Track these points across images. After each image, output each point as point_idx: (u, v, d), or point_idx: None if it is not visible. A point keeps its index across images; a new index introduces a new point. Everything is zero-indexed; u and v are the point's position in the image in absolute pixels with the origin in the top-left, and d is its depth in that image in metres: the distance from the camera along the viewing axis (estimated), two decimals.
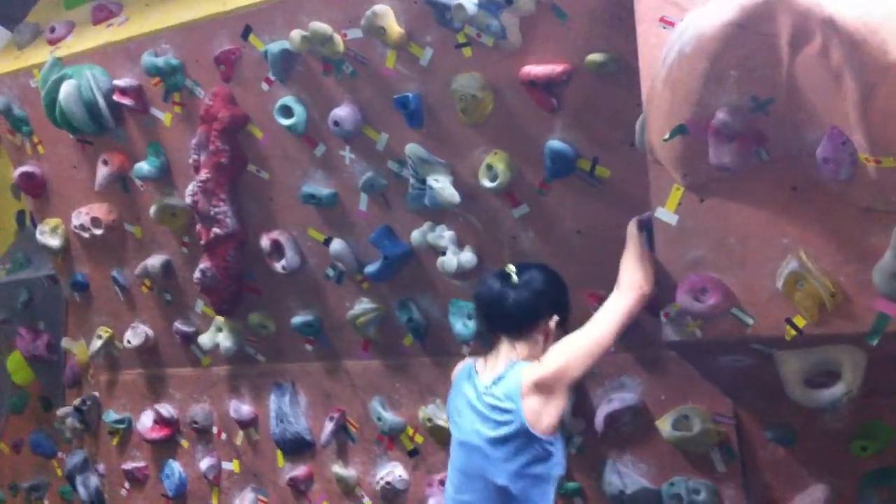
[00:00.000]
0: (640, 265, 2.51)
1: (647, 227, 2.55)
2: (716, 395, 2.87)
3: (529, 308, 2.65)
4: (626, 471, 3.04)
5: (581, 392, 3.06)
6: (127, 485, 4.47)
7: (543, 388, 2.51)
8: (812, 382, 2.37)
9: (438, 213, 3.15)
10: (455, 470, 2.71)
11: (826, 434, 2.74)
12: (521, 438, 2.52)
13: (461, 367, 2.88)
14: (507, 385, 2.56)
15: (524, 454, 2.53)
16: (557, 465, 2.60)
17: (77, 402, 4.57)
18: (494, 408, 2.57)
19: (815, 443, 2.78)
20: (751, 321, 2.31)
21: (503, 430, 2.53)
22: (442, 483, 3.39)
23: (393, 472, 3.57)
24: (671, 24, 2.32)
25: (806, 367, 2.35)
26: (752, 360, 2.48)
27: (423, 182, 3.10)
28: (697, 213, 2.36)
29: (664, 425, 2.92)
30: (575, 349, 2.53)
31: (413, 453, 3.54)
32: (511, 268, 2.69)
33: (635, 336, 2.76)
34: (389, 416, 3.54)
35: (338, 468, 3.71)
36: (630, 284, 2.51)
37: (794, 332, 2.25)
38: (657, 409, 2.98)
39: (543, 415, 2.51)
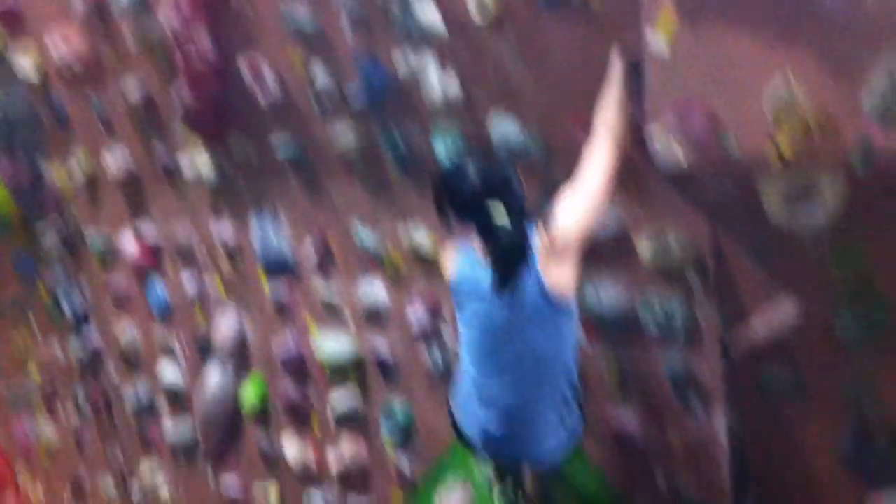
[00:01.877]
0: (620, 111, 2.56)
1: (634, 63, 2.56)
2: (697, 217, 2.87)
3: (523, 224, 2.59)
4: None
5: None
6: (111, 304, 4.60)
7: (555, 253, 2.52)
8: (793, 204, 2.43)
9: (424, 40, 3.13)
10: (475, 353, 2.70)
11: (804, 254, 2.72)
12: (544, 301, 2.54)
13: (457, 256, 2.79)
14: None
15: (551, 318, 2.57)
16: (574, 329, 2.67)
17: (59, 223, 4.62)
18: None
19: (793, 265, 2.78)
20: (737, 145, 2.35)
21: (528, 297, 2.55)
22: (423, 303, 3.51)
23: (374, 290, 3.67)
24: None
25: (788, 190, 2.39)
26: (736, 182, 2.54)
27: (409, 9, 3.07)
28: (689, 39, 2.36)
29: (642, 246, 2.95)
30: (575, 210, 2.55)
31: (394, 273, 3.62)
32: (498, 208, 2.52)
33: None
34: (371, 237, 3.60)
35: (321, 288, 3.81)
36: (609, 132, 2.57)
37: (780, 156, 2.29)
38: (636, 230, 2.98)
39: (561, 277, 2.53)
